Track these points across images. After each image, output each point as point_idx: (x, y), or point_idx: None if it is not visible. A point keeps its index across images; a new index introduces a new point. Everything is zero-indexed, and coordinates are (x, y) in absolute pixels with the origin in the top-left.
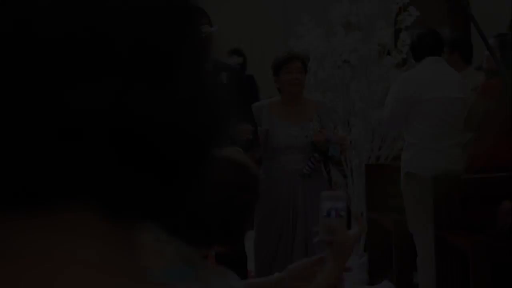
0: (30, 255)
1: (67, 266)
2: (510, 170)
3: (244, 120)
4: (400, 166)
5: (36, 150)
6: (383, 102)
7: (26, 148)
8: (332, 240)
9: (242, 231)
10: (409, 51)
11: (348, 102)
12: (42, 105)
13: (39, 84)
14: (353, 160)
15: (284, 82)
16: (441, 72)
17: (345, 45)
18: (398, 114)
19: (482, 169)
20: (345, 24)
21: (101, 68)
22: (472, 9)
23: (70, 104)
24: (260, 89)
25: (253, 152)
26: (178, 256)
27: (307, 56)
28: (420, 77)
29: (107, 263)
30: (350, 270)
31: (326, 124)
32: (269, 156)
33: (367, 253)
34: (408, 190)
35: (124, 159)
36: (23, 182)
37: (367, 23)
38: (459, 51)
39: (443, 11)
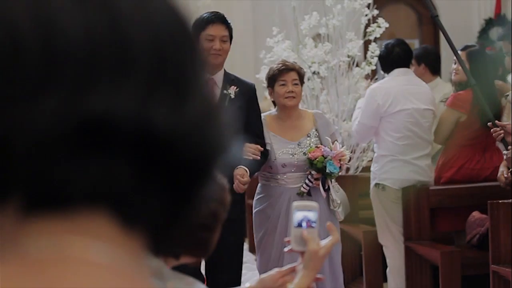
0: (49, 255)
1: (82, 267)
2: (479, 181)
3: (255, 135)
4: (369, 177)
5: (58, 155)
6: (353, 114)
7: (47, 153)
8: (303, 250)
9: (210, 242)
10: (378, 63)
11: None
12: (64, 108)
13: (62, 88)
14: None
15: (278, 95)
16: (409, 83)
17: (314, 57)
18: (366, 126)
19: (451, 180)
20: (315, 36)
21: (123, 76)
22: (442, 20)
23: (93, 110)
24: None
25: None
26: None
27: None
28: (389, 89)
29: (120, 268)
30: (321, 280)
31: (324, 138)
32: (266, 174)
33: None
34: (378, 201)
35: (142, 168)
36: (45, 186)
37: (337, 35)
38: (426, 62)
39: (412, 22)
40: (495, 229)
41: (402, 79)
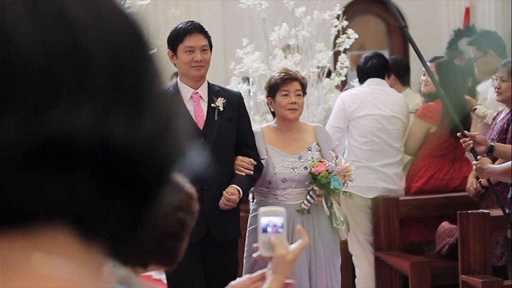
0: (7, 270)
1: (39, 282)
2: (448, 192)
3: (247, 147)
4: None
5: (18, 174)
6: (323, 124)
7: (7, 173)
8: (272, 256)
9: (178, 251)
10: (348, 73)
11: None
12: (23, 129)
13: (21, 109)
14: None
15: (280, 106)
16: (380, 92)
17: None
18: (334, 128)
19: (420, 190)
20: (284, 47)
21: (80, 93)
22: (411, 31)
23: (52, 129)
24: None
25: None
26: (113, 277)
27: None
28: (357, 94)
29: (79, 282)
30: (292, 285)
31: (326, 152)
32: (263, 190)
33: None
34: (345, 209)
35: (101, 182)
36: (5, 204)
37: (306, 46)
38: (396, 73)
39: (382, 33)
40: (464, 239)
41: (373, 88)
